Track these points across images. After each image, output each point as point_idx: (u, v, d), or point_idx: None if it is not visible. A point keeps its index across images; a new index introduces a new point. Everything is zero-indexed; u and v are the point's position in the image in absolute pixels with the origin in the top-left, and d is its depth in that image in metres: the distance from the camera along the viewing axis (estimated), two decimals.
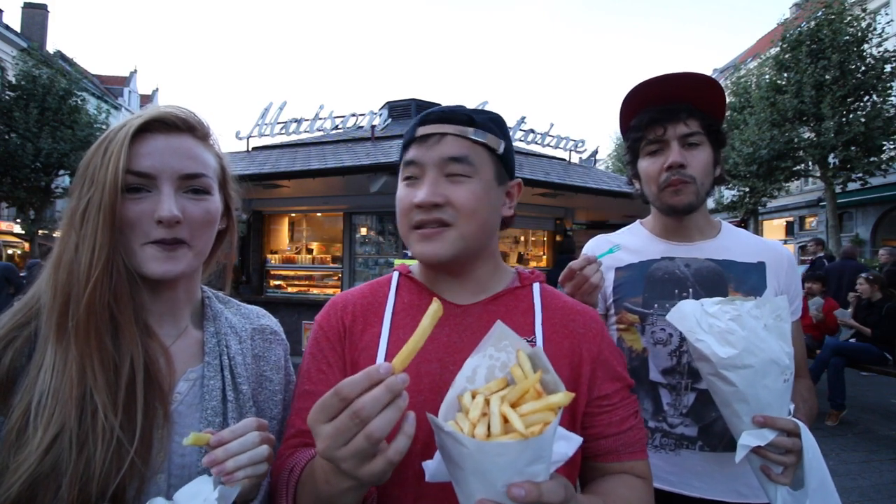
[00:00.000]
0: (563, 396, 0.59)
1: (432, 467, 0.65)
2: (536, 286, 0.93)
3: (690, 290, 1.25)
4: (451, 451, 0.57)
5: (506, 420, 0.58)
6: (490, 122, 0.88)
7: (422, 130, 0.86)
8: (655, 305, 1.27)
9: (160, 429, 0.73)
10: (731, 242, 1.31)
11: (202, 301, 0.91)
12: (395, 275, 0.95)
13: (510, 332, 0.69)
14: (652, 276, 1.30)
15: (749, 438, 0.95)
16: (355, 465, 0.55)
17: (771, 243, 1.33)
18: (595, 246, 1.41)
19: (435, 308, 0.64)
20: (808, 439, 0.97)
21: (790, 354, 0.98)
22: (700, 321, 1.00)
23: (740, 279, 1.25)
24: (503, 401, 0.60)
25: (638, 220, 1.45)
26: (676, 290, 1.26)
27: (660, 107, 1.22)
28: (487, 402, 0.61)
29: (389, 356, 0.83)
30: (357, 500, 0.65)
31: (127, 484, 0.68)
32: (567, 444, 0.66)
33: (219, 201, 0.85)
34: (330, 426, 0.56)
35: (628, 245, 1.35)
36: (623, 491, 0.80)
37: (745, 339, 0.95)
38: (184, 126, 0.80)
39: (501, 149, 0.89)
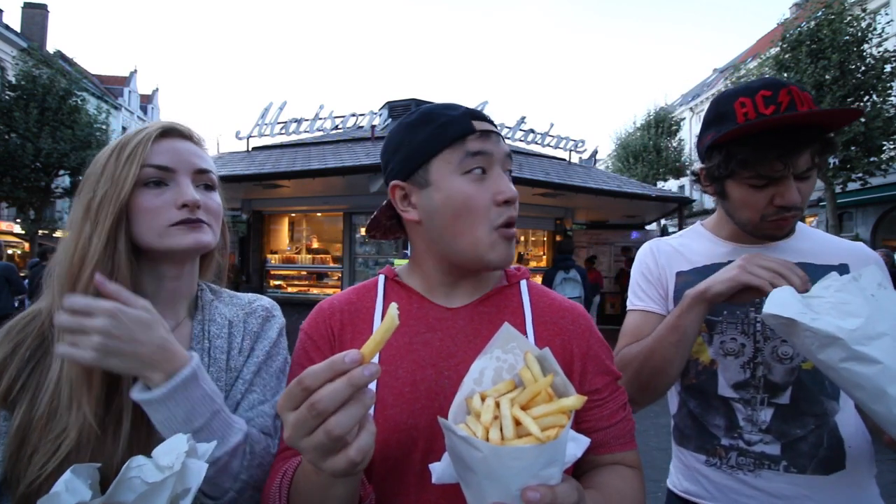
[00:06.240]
0: (575, 400, 0.59)
1: (439, 469, 0.64)
2: (524, 284, 0.93)
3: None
4: (464, 456, 0.57)
5: (518, 423, 0.58)
6: None
7: (481, 126, 0.85)
8: (725, 312, 1.15)
9: None
10: (807, 244, 1.17)
11: (196, 294, 0.96)
12: (381, 279, 0.93)
13: (517, 334, 0.69)
14: None
15: None
16: (318, 457, 0.54)
17: (853, 244, 1.19)
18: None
19: (394, 309, 0.58)
20: None
21: None
22: (806, 303, 0.84)
23: None
24: (513, 403, 0.60)
25: (699, 222, 1.34)
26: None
27: (787, 135, 1.00)
28: (497, 404, 0.61)
29: (381, 362, 0.82)
30: (350, 493, 0.65)
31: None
32: (576, 445, 0.66)
33: (219, 198, 0.95)
34: (293, 416, 0.53)
35: (691, 248, 1.25)
36: (618, 483, 0.81)
37: (865, 305, 0.79)
38: (188, 135, 0.93)
39: None
